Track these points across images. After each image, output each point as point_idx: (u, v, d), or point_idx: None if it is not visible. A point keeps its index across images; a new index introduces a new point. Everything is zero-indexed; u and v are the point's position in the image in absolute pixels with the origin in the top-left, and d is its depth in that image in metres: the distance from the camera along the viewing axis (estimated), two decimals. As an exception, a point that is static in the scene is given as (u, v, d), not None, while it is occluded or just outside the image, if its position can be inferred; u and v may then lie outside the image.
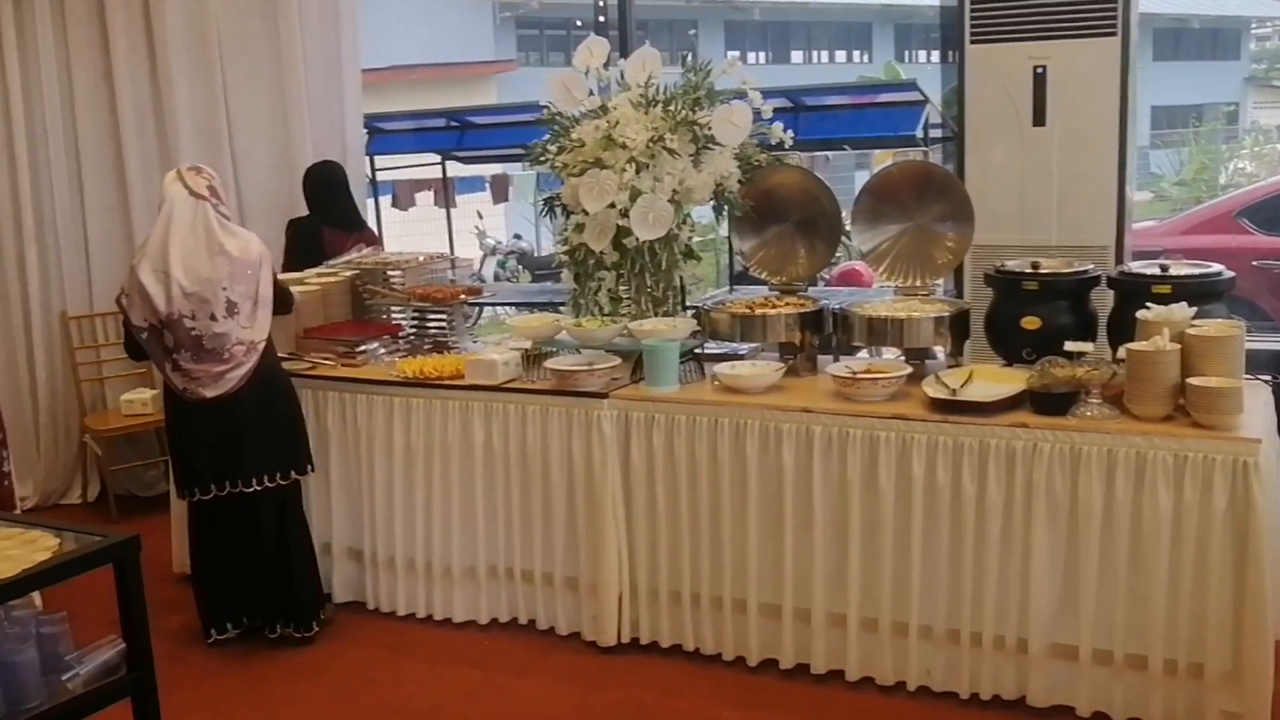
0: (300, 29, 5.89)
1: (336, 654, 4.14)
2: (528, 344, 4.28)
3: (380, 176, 7.61)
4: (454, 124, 7.15)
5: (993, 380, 3.67)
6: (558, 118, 4.38)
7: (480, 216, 12.89)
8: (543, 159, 4.42)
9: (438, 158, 7.82)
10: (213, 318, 3.89)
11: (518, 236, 14.10)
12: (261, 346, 4.03)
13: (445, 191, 8.16)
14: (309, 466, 4.24)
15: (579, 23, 22.73)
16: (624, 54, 4.63)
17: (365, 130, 6.38)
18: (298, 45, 5.88)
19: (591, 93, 4.33)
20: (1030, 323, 3.77)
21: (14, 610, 2.44)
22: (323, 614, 4.31)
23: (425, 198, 10.30)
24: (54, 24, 5.68)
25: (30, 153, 5.68)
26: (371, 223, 6.63)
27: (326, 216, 5.44)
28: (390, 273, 4.78)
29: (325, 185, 5.51)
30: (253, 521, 4.11)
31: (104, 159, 5.84)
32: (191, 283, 3.88)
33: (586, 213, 4.14)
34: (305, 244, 5.34)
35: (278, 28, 5.85)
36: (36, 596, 2.71)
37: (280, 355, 4.51)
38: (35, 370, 5.84)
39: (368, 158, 6.69)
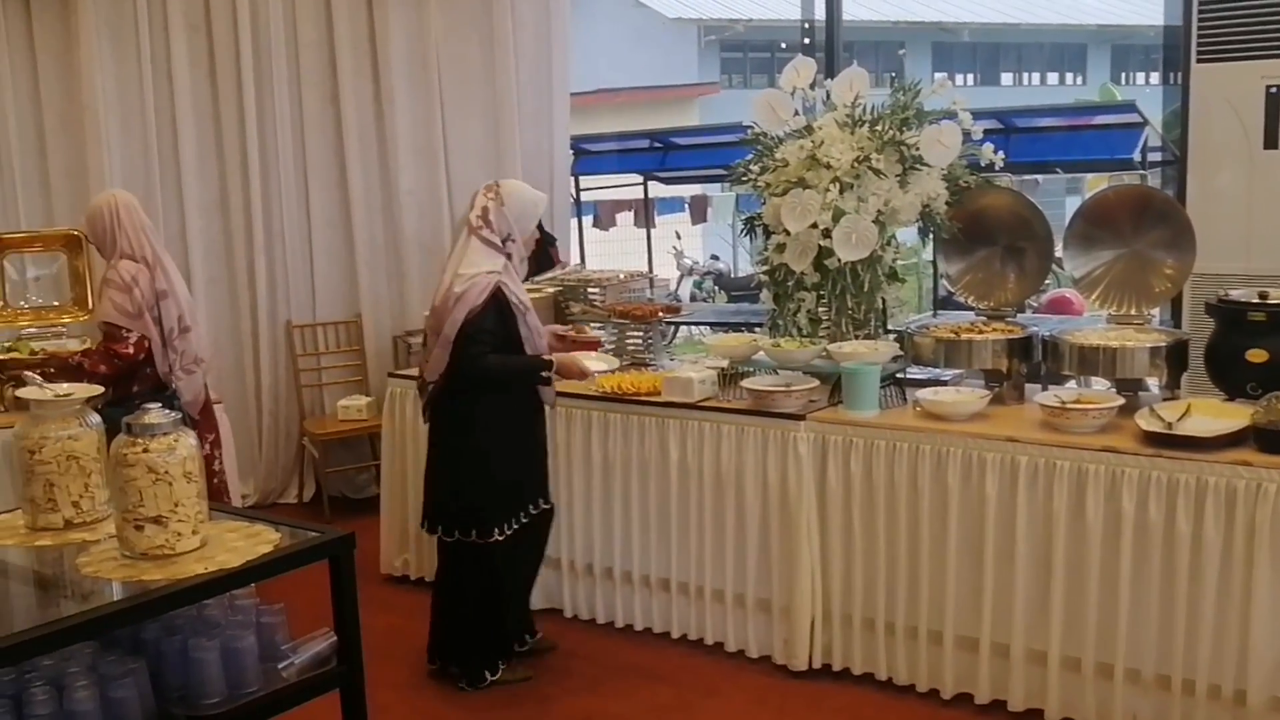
0: (514, 54, 6.09)
1: (534, 660, 4.22)
2: (725, 363, 4.30)
3: (583, 197, 7.79)
4: (657, 145, 7.27)
5: (1212, 415, 3.49)
6: (762, 137, 4.39)
7: (678, 237, 13.02)
8: (745, 178, 4.44)
9: (639, 178, 7.97)
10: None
11: (715, 257, 14.17)
12: (430, 388, 3.82)
13: (646, 211, 8.31)
14: (472, 532, 3.83)
15: (783, 45, 22.72)
16: (830, 75, 4.61)
17: (571, 151, 6.54)
18: (511, 70, 6.08)
19: (797, 113, 4.33)
20: (1256, 355, 3.56)
21: (237, 599, 2.58)
22: (497, 673, 4.02)
23: (625, 218, 10.49)
24: (287, 50, 6.02)
25: (263, 171, 6.03)
26: (574, 242, 6.81)
27: (550, 240, 5.60)
28: (591, 290, 4.89)
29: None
30: (445, 557, 4.02)
31: (329, 177, 6.16)
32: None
33: (788, 233, 4.14)
34: (545, 270, 5.51)
35: (493, 53, 6.07)
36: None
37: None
38: (260, 375, 6.19)
39: (573, 178, 6.84)
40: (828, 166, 4.07)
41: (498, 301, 3.68)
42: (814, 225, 4.07)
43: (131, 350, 4.12)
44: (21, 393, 2.80)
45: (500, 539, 3.86)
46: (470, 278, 3.66)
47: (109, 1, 5.75)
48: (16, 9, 5.68)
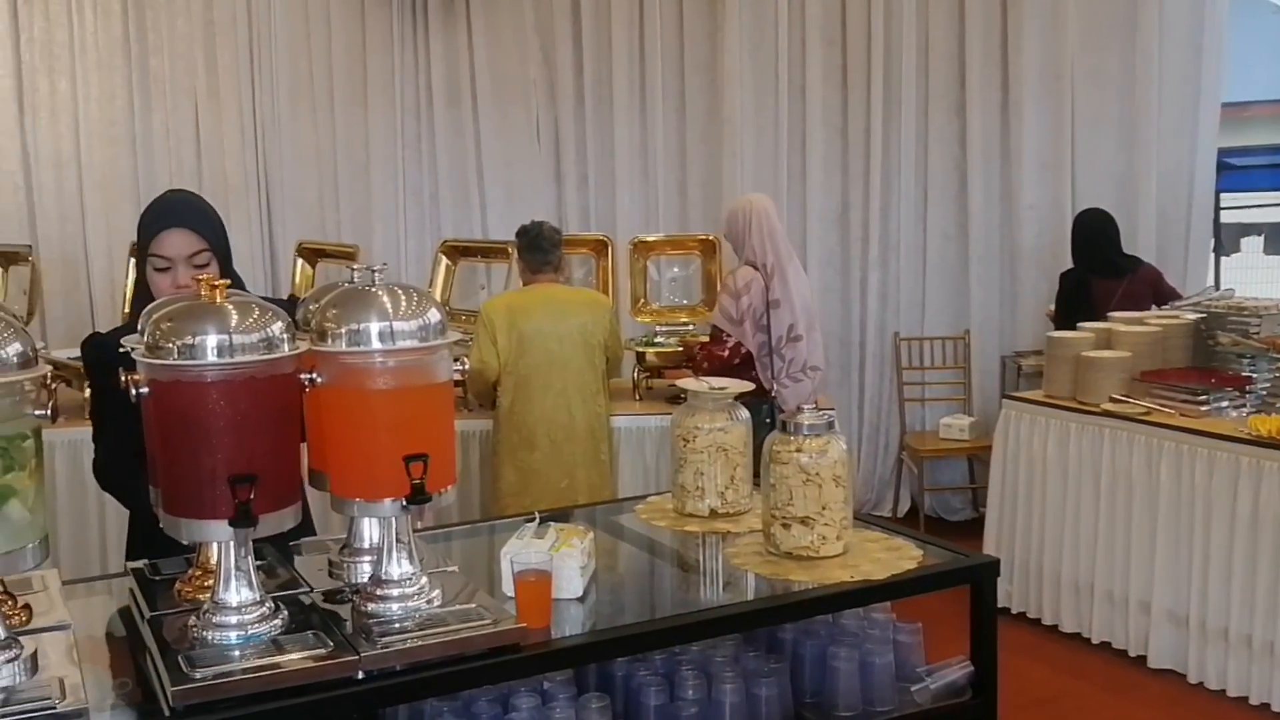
0: (1159, 63, 5.66)
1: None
2: None
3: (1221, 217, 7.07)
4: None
5: None
6: None
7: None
8: None
9: (1289, 199, 7.09)
10: None
11: (1360, 293, 12.36)
12: None
13: (1295, 237, 7.37)
14: None
15: None
16: None
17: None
18: (1154, 80, 5.67)
19: None
20: None
21: (873, 611, 2.52)
22: None
23: (1251, 244, 9.43)
24: (917, 62, 6.00)
25: (884, 183, 6.06)
26: (1209, 265, 6.21)
27: (1090, 266, 5.24)
28: (1243, 318, 4.36)
29: (1084, 234, 5.32)
30: None
31: (948, 190, 6.07)
32: None
33: None
34: (1073, 296, 5.17)
35: (1134, 62, 5.69)
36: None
37: (1112, 396, 4.33)
38: (865, 384, 6.23)
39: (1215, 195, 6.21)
40: None
41: None
42: None
43: (726, 354, 4.28)
44: (681, 383, 2.96)
45: None
46: None
47: (753, 21, 6.05)
48: (671, 30, 6.15)
